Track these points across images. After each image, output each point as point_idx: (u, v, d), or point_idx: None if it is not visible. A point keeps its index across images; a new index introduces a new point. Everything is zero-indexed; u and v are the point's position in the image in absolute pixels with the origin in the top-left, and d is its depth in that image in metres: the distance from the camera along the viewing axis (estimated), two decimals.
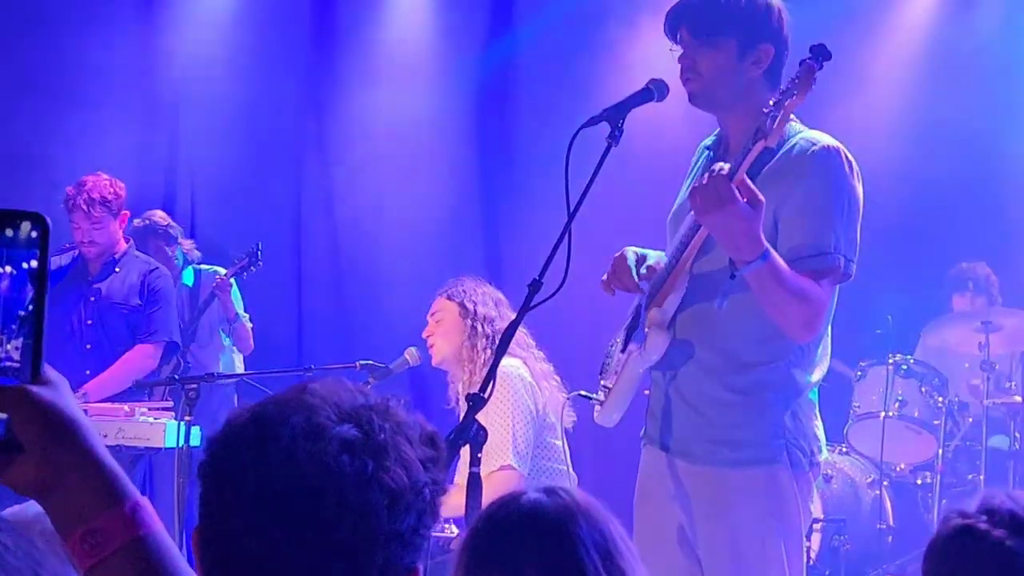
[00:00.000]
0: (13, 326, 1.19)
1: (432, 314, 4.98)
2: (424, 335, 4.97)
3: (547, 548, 1.91)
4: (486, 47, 8.63)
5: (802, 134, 3.35)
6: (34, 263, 1.20)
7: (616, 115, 3.24)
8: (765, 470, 3.29)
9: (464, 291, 4.94)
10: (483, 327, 4.83)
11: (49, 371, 1.22)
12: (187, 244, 7.21)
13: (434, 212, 8.35)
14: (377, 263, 8.31)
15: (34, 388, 1.19)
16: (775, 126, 3.10)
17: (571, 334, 6.94)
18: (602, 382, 3.60)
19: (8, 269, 1.19)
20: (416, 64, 8.56)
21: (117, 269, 5.97)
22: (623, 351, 3.52)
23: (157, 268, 6.12)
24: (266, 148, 8.36)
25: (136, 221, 6.93)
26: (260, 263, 7.04)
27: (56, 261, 6.02)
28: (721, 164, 3.13)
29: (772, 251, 3.13)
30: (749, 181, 3.12)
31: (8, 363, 1.19)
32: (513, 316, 4.81)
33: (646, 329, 3.39)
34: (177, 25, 8.33)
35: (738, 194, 3.06)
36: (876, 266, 7.59)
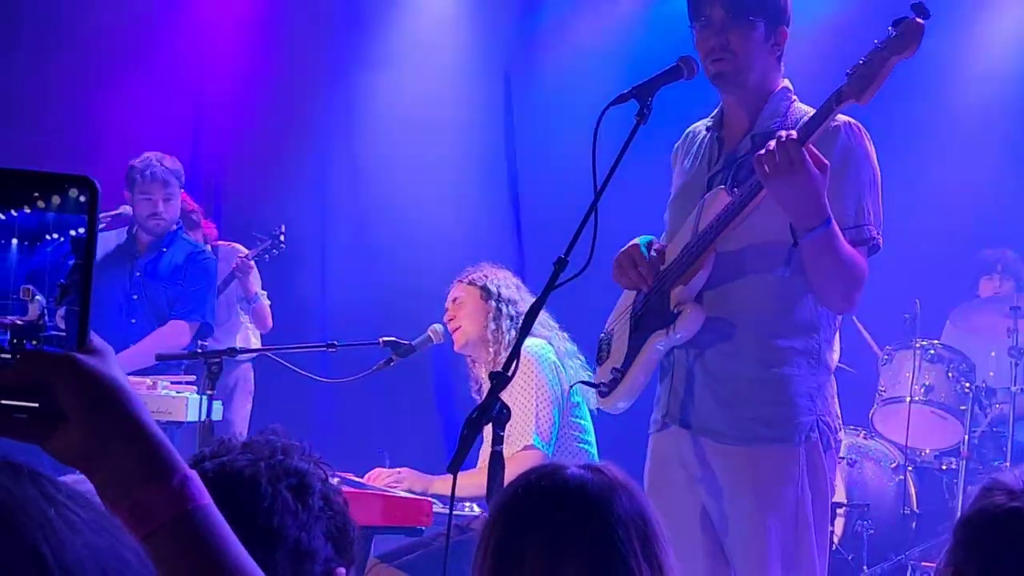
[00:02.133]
0: (60, 294, 1.17)
1: (453, 299, 4.98)
2: (446, 320, 4.97)
3: (588, 523, 1.91)
4: (515, 25, 8.60)
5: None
6: (82, 230, 1.17)
7: (645, 93, 3.22)
8: (798, 448, 3.30)
9: (485, 275, 4.97)
10: (507, 308, 4.84)
11: (96, 340, 1.19)
12: (206, 226, 7.20)
13: (461, 190, 8.33)
14: (402, 241, 8.30)
15: (80, 356, 1.16)
16: (875, 85, 3.07)
17: (596, 314, 6.92)
18: (610, 367, 3.57)
19: (55, 236, 1.17)
20: (445, 42, 8.53)
21: (164, 249, 6.01)
22: (632, 335, 3.50)
23: (203, 251, 6.19)
24: (292, 126, 8.35)
25: None
26: (283, 246, 7.05)
27: (106, 237, 6.06)
28: (789, 131, 3.13)
29: (833, 218, 3.14)
30: (813, 148, 3.12)
31: (54, 331, 1.17)
32: (533, 300, 4.83)
33: (676, 308, 3.37)
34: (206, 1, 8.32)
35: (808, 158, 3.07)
36: (904, 248, 7.60)
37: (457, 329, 4.93)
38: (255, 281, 7.06)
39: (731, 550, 3.36)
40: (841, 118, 3.33)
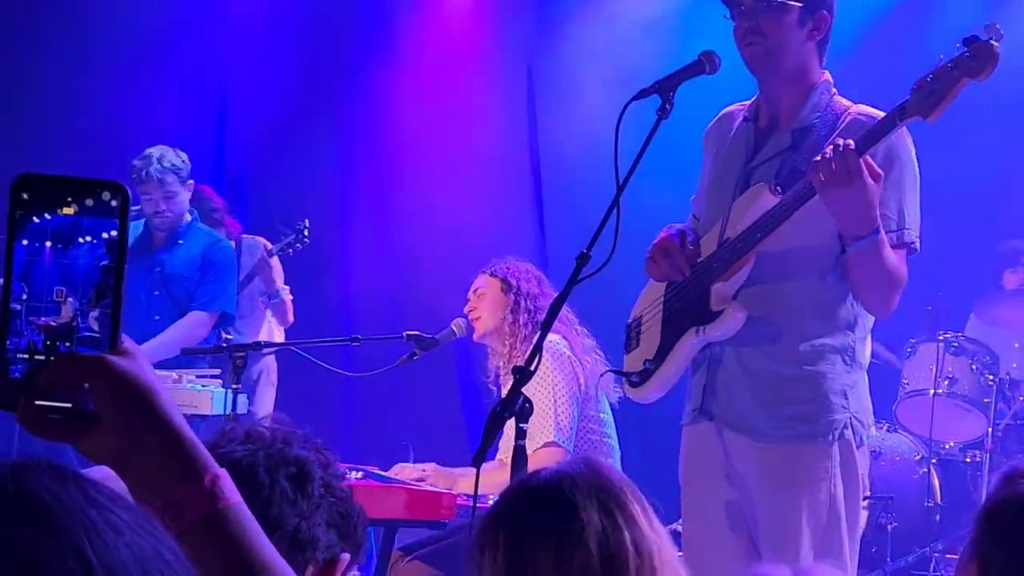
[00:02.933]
0: (93, 296, 1.20)
1: (474, 290, 5.01)
2: (466, 310, 5.00)
3: (553, 521, 1.86)
4: (538, 16, 8.59)
5: (855, 108, 3.36)
6: (114, 232, 1.20)
7: (667, 88, 3.21)
8: (831, 445, 3.32)
9: (508, 268, 5.00)
10: (526, 302, 4.86)
11: (127, 341, 1.21)
12: (230, 223, 7.21)
13: (483, 184, 8.33)
14: (425, 235, 8.30)
15: (112, 357, 1.19)
16: (944, 104, 3.05)
17: (618, 307, 6.93)
18: (642, 358, 3.58)
19: (88, 239, 1.20)
20: (468, 35, 8.53)
21: (180, 241, 6.01)
22: (665, 327, 3.51)
23: (220, 241, 6.16)
24: (315, 120, 8.37)
25: None
26: (306, 240, 7.05)
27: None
28: (847, 140, 3.11)
29: (882, 227, 3.16)
30: (869, 158, 3.12)
31: (87, 333, 1.20)
32: (555, 294, 4.84)
33: (718, 307, 3.37)
34: None
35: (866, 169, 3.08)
36: (928, 240, 7.57)
37: (477, 319, 4.96)
38: (278, 276, 7.08)
39: (763, 547, 3.36)
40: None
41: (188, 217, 6.07)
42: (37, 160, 7.51)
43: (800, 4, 3.33)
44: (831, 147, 3.12)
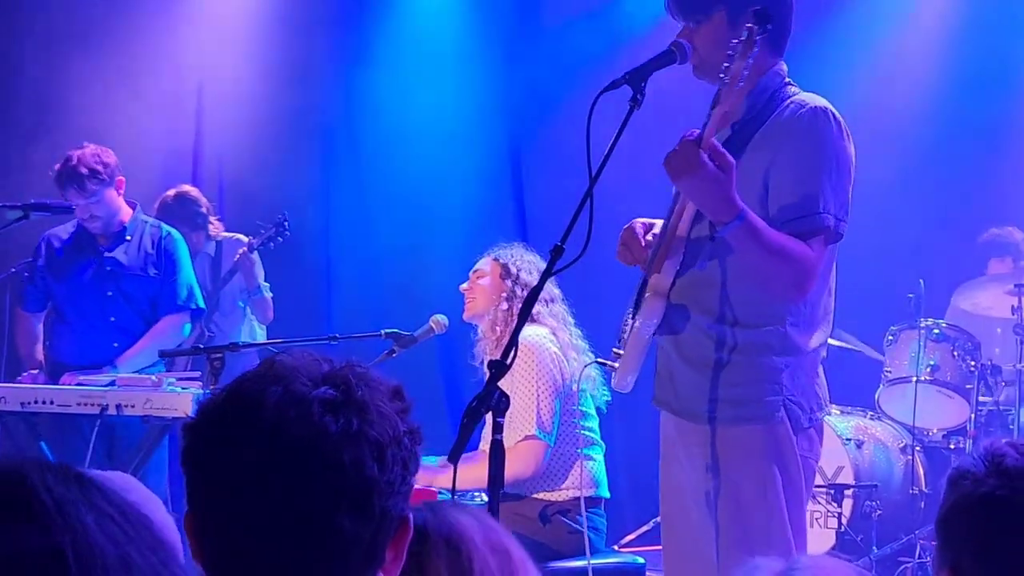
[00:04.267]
0: None
1: (475, 271, 5.02)
2: (461, 289, 5.01)
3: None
4: (516, 10, 8.60)
5: (795, 97, 3.41)
6: None
7: (638, 78, 3.22)
8: (763, 427, 3.33)
9: (511, 255, 5.00)
10: (521, 292, 4.85)
11: None
12: (214, 223, 7.18)
13: (464, 178, 8.33)
14: (405, 232, 8.30)
15: None
16: (727, 93, 3.16)
17: (606, 300, 6.93)
18: (614, 350, 3.62)
19: None
20: (446, 29, 8.53)
21: (128, 237, 5.81)
22: (633, 318, 3.54)
23: (169, 233, 5.93)
24: (295, 116, 8.35)
25: (169, 193, 6.93)
26: (287, 233, 7.05)
27: (58, 233, 5.86)
28: (693, 129, 3.18)
29: (749, 212, 3.19)
30: (718, 145, 3.17)
31: None
32: (556, 290, 4.85)
33: (645, 295, 3.41)
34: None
35: (707, 159, 3.11)
36: (908, 229, 7.60)
37: (471, 300, 4.96)
38: (258, 273, 7.07)
39: (717, 531, 3.40)
40: (812, 103, 3.34)
41: (129, 211, 5.86)
42: (13, 160, 7.48)
43: (723, 9, 3.35)
44: (681, 138, 3.18)
